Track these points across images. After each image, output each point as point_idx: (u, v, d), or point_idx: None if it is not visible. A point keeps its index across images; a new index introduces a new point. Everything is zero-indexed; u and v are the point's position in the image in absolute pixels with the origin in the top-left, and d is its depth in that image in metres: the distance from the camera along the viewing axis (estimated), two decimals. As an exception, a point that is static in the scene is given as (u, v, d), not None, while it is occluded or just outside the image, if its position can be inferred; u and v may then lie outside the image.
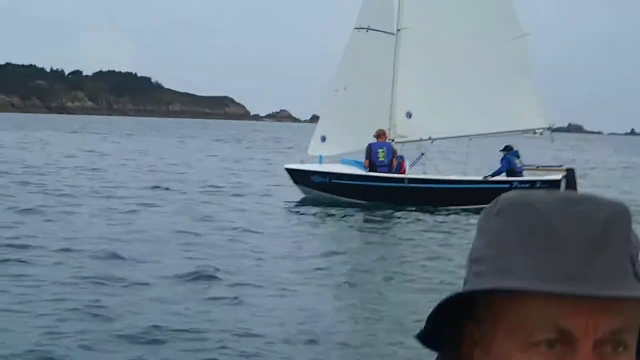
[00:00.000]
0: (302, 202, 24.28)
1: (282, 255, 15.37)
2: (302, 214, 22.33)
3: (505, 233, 1.13)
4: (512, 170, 23.83)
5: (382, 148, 24.04)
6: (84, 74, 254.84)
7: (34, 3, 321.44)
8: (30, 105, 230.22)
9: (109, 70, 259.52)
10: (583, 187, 24.71)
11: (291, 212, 22.83)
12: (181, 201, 23.36)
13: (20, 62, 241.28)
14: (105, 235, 16.29)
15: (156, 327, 9.72)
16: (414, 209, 22.74)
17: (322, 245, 17.21)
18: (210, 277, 12.82)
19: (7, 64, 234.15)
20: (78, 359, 8.71)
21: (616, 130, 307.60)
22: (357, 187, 23.95)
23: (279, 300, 11.62)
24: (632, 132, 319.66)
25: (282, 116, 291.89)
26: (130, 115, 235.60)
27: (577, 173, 24.26)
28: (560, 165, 24.81)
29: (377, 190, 23.74)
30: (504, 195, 1.18)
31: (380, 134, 24.05)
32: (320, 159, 24.80)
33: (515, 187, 22.43)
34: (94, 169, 33.29)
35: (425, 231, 19.46)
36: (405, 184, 23.62)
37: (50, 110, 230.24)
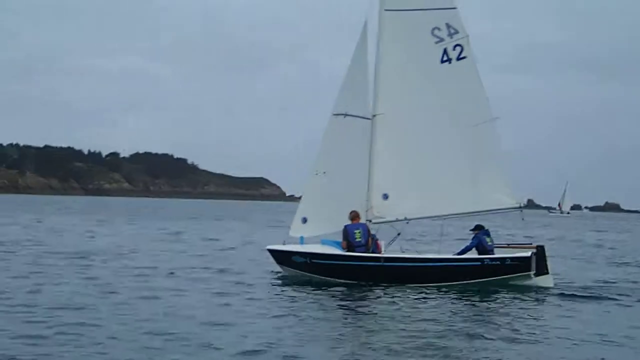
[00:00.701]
0: (283, 282, 25.22)
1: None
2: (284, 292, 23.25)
3: None
4: (482, 249, 24.68)
5: (358, 229, 25.08)
6: (121, 155, 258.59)
7: (70, 88, 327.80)
8: (68, 188, 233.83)
9: (145, 152, 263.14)
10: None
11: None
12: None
13: (58, 145, 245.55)
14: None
15: None
16: (389, 286, 23.65)
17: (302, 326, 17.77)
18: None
19: (46, 146, 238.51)
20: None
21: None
22: (336, 266, 24.93)
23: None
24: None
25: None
26: (166, 197, 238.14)
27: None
28: (530, 243, 25.56)
29: (355, 270, 24.71)
30: None
31: (354, 216, 25.13)
32: (302, 240, 25.89)
33: (487, 265, 23.64)
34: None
35: (399, 309, 20.22)
36: (382, 263, 24.55)
37: (87, 192, 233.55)
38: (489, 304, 21.53)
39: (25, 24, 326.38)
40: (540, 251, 24.51)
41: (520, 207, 25.72)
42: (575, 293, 24.27)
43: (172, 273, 26.46)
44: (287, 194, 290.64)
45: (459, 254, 24.90)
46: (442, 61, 25.84)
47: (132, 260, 30.77)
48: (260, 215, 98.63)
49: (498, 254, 24.79)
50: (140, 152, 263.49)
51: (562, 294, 23.75)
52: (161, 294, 21.64)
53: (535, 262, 24.31)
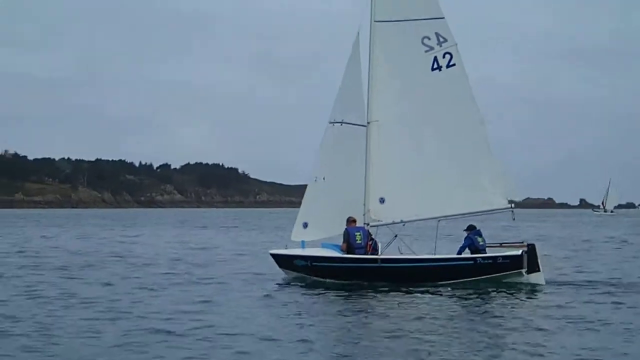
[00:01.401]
0: (288, 283, 26.43)
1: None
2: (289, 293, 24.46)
3: None
4: (474, 248, 25.67)
5: (358, 232, 26.26)
6: (172, 167, 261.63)
7: (116, 100, 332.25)
8: (121, 200, 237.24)
9: (196, 163, 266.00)
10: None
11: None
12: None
13: (109, 158, 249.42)
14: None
15: None
16: (387, 287, 24.75)
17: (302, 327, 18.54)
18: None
19: (97, 160, 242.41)
20: None
21: None
22: (335, 268, 26.10)
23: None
24: None
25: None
26: (218, 207, 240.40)
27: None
28: (522, 242, 26.45)
29: (354, 271, 25.87)
30: None
31: (351, 221, 26.28)
32: (303, 244, 27.12)
33: (480, 263, 24.65)
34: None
35: (395, 308, 21.22)
36: (379, 264, 25.65)
37: (140, 204, 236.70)
38: (483, 302, 22.43)
39: (75, 36, 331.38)
40: (531, 249, 25.41)
41: (511, 207, 26.61)
42: (566, 289, 25.24)
43: None
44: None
45: (457, 253, 25.88)
46: (433, 69, 26.87)
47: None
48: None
49: (490, 252, 25.76)
50: (191, 162, 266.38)
51: (553, 290, 24.69)
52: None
53: (526, 260, 25.23)
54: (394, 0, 27.07)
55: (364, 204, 26.92)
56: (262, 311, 20.67)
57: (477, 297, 23.14)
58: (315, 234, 27.29)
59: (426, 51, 26.91)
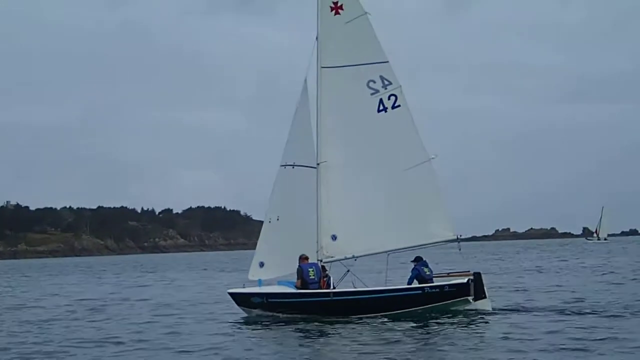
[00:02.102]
0: (245, 322, 27.62)
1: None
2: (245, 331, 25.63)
3: None
4: (421, 278, 26.94)
5: (311, 268, 27.52)
6: (174, 211, 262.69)
7: (116, 147, 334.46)
8: (124, 247, 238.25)
9: (198, 206, 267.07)
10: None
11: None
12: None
13: (111, 205, 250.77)
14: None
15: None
16: (340, 319, 25.97)
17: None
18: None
19: (99, 207, 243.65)
20: None
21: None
22: (290, 303, 27.34)
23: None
24: None
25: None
26: (222, 250, 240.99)
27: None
28: (468, 271, 27.68)
29: (307, 305, 27.10)
30: None
31: (303, 258, 27.56)
32: (260, 282, 28.38)
33: (428, 292, 25.92)
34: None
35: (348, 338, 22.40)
36: (331, 298, 26.90)
37: (143, 250, 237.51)
38: (431, 329, 23.61)
39: (74, 85, 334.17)
40: (477, 278, 26.68)
41: (457, 240, 27.87)
42: (512, 314, 26.46)
43: None
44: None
45: (409, 282, 27.17)
46: (379, 110, 28.25)
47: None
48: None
49: (438, 282, 27.01)
50: (193, 206, 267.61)
51: (500, 316, 25.91)
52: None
53: (473, 288, 26.47)
54: (339, 46, 28.42)
55: (317, 242, 28.15)
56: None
57: (426, 325, 24.31)
58: (271, 272, 28.57)
59: (372, 94, 28.28)
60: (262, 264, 28.79)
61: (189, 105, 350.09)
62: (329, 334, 23.49)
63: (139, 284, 56.17)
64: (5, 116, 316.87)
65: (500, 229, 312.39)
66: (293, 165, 28.67)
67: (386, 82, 28.26)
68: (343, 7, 28.47)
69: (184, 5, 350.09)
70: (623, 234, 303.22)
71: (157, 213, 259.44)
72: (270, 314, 27.60)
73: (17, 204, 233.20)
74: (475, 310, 26.32)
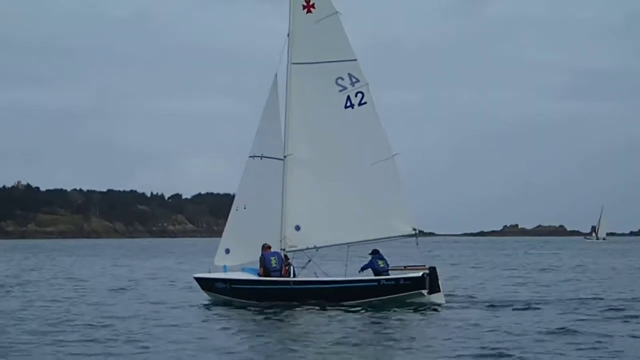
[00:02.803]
0: (209, 306, 28.75)
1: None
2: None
3: None
4: (375, 270, 28.01)
5: (273, 256, 28.60)
6: (184, 197, 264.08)
7: (127, 131, 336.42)
8: (133, 231, 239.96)
9: (207, 193, 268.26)
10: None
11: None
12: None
13: (121, 188, 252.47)
14: None
15: None
16: (299, 306, 27.08)
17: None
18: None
19: (109, 190, 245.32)
20: None
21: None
22: (253, 290, 28.45)
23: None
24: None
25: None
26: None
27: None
28: (424, 265, 28.71)
29: (269, 292, 28.21)
30: None
31: (266, 247, 28.62)
32: (225, 268, 29.50)
33: (383, 285, 26.97)
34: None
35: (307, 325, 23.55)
36: (291, 286, 28.01)
37: (152, 234, 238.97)
38: (385, 320, 24.64)
39: (85, 69, 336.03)
40: (432, 272, 27.73)
41: (415, 234, 28.92)
42: (466, 307, 27.54)
43: None
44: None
45: (360, 271, 28.27)
46: (346, 107, 29.27)
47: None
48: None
49: (394, 274, 28.08)
50: (202, 192, 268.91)
51: (453, 309, 26.98)
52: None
53: (428, 282, 27.52)
54: (309, 44, 29.41)
55: (281, 231, 29.20)
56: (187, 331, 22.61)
57: (379, 316, 25.34)
58: (236, 259, 29.63)
59: (340, 90, 29.30)
60: (227, 251, 29.84)
61: (200, 92, 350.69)
62: (285, 321, 24.49)
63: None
64: (19, 97, 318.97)
65: (508, 225, 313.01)
66: (261, 157, 29.71)
67: (354, 80, 29.25)
68: (315, 5, 29.42)
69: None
70: (633, 234, 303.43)
71: (166, 198, 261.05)
72: (233, 299, 28.65)
73: (28, 184, 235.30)
74: (429, 303, 27.34)
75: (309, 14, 29.50)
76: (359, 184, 29.07)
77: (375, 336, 21.43)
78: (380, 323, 23.85)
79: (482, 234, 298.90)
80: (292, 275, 28.61)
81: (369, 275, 28.26)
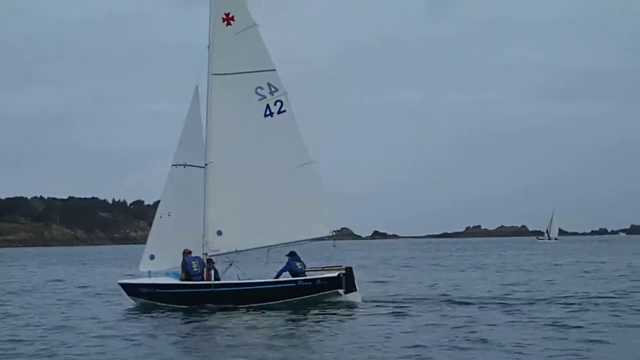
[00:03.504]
0: (133, 311, 29.62)
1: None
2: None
3: None
4: (293, 272, 29.12)
5: (195, 261, 29.63)
6: (146, 203, 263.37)
7: (88, 138, 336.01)
8: (94, 238, 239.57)
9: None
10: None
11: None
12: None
13: (82, 196, 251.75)
14: None
15: None
16: (220, 308, 28.09)
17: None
18: None
19: (70, 197, 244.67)
20: None
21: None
22: (175, 294, 29.45)
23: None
24: None
25: (343, 234, 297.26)
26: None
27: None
28: (340, 265, 29.86)
29: (191, 296, 29.22)
30: None
31: (187, 252, 29.63)
32: (150, 274, 30.48)
33: (301, 285, 28.06)
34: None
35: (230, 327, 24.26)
36: (212, 289, 29.04)
37: (114, 241, 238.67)
38: (304, 319, 25.73)
39: (46, 75, 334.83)
40: (349, 272, 28.91)
41: (333, 236, 30.09)
42: (382, 306, 28.72)
43: None
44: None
45: (275, 277, 29.32)
46: (266, 115, 30.37)
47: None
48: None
49: (311, 275, 29.20)
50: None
51: (369, 307, 28.16)
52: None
53: (344, 282, 28.69)
54: (229, 55, 30.44)
55: (203, 237, 30.22)
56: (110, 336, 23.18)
57: (297, 315, 26.45)
58: (161, 264, 30.62)
59: (259, 100, 30.39)
60: (152, 257, 30.82)
61: (161, 96, 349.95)
62: (206, 325, 25.26)
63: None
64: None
65: (471, 226, 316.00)
66: (184, 165, 30.73)
67: (273, 89, 30.35)
68: (234, 18, 30.50)
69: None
70: (593, 233, 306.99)
71: (128, 205, 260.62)
72: (157, 303, 29.62)
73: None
74: (346, 302, 28.48)
75: (229, 26, 30.56)
76: (279, 189, 30.16)
77: (294, 335, 22.29)
78: (297, 321, 24.93)
79: (445, 235, 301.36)
80: (216, 279, 29.59)
81: (287, 276, 29.32)
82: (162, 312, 28.30)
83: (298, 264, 29.37)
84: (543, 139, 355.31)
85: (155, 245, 30.91)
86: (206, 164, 30.44)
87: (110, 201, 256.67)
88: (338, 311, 27.16)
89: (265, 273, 30.54)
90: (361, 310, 27.62)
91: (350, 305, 28.22)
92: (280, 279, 29.32)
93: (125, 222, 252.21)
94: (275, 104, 30.41)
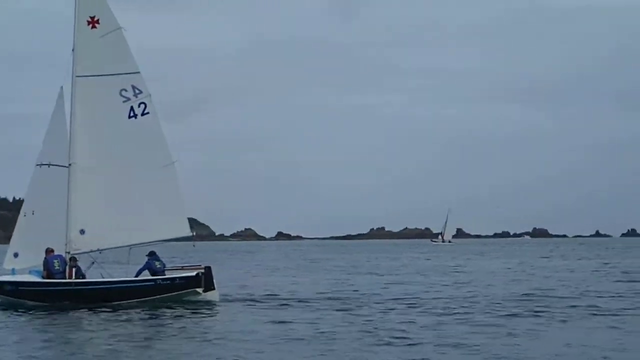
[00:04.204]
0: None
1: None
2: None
3: None
4: (152, 271, 29.91)
5: (56, 259, 30.19)
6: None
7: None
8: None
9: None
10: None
11: None
12: None
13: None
14: None
15: None
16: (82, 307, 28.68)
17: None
18: None
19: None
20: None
21: (581, 233, 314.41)
22: (37, 292, 29.95)
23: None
24: (597, 234, 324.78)
25: (247, 235, 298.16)
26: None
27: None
28: (199, 265, 30.78)
29: (52, 293, 29.75)
30: None
31: (49, 251, 30.16)
32: (14, 271, 30.90)
33: (160, 284, 28.79)
34: None
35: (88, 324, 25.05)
36: (73, 287, 29.64)
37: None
38: (159, 317, 26.51)
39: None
40: (207, 271, 29.85)
41: (192, 237, 31.04)
42: (238, 302, 29.77)
43: None
44: (217, 233, 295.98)
45: (135, 276, 30.06)
46: (129, 117, 31.09)
47: None
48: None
49: (171, 274, 30.05)
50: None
51: (227, 305, 29.15)
52: None
53: (203, 280, 29.59)
54: (94, 57, 31.05)
55: (66, 235, 30.77)
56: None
57: (156, 313, 27.27)
58: (24, 262, 31.04)
59: (124, 101, 31.10)
60: (16, 255, 31.24)
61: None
62: (65, 323, 25.71)
63: None
64: None
65: (375, 228, 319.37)
66: (49, 165, 31.23)
67: (137, 91, 31.09)
68: (99, 21, 31.13)
69: None
70: (495, 235, 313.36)
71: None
72: (21, 301, 30.06)
73: None
74: (205, 300, 29.39)
75: (94, 29, 31.16)
76: (140, 189, 30.91)
77: (156, 333, 22.96)
78: (154, 320, 25.78)
79: (349, 237, 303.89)
80: (80, 277, 30.14)
81: (147, 275, 30.08)
82: (16, 312, 28.51)
83: (157, 263, 30.15)
84: (445, 142, 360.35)
85: (19, 243, 31.35)
86: (70, 164, 30.98)
87: (10, 199, 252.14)
88: (195, 310, 27.98)
89: (128, 272, 31.19)
90: (218, 308, 28.55)
91: (208, 304, 29.11)
92: (140, 277, 30.04)
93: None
94: (139, 106, 31.14)
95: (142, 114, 31.18)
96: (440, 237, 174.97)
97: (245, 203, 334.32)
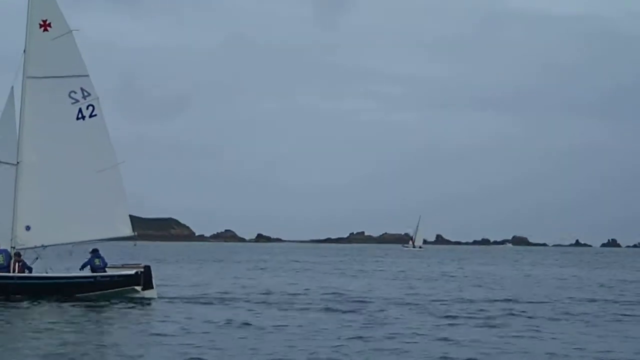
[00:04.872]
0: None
1: None
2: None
3: None
4: (93, 268, 30.94)
5: (1, 254, 31.08)
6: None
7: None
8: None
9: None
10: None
11: None
12: None
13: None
14: None
15: None
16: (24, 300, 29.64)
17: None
18: None
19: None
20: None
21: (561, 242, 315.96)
22: None
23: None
24: (577, 243, 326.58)
25: (226, 236, 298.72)
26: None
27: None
28: (139, 263, 31.83)
29: None
30: None
31: None
32: (-40, 264, 31.76)
33: (99, 281, 29.81)
34: None
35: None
36: (15, 281, 30.58)
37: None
38: (97, 312, 27.56)
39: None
40: (147, 270, 30.95)
41: (134, 237, 32.10)
42: (175, 301, 30.82)
43: None
44: (197, 234, 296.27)
45: (80, 269, 31.10)
46: (78, 118, 32.13)
47: None
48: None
49: (111, 272, 31.08)
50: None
51: (165, 303, 30.20)
52: None
53: (142, 279, 30.65)
54: (45, 59, 32.06)
55: (12, 231, 31.72)
56: None
57: (94, 308, 28.28)
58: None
59: (72, 103, 32.15)
60: (-41, 252, 32.10)
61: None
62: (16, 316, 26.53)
63: None
64: None
65: (355, 232, 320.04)
66: (-3, 162, 32.15)
67: (86, 94, 32.15)
68: (51, 24, 32.13)
69: None
70: (475, 242, 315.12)
71: None
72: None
73: None
74: (143, 298, 30.44)
75: (46, 32, 32.16)
76: (85, 189, 31.95)
77: (86, 328, 23.88)
78: (91, 314, 26.78)
79: (329, 240, 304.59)
80: (23, 271, 31.03)
81: (87, 272, 31.12)
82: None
83: (97, 260, 31.17)
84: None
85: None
86: (17, 162, 31.92)
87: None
88: (134, 306, 29.03)
89: (70, 268, 32.21)
90: (154, 306, 29.59)
91: (147, 301, 30.15)
92: (80, 273, 31.05)
93: None
94: (87, 108, 32.19)
95: (90, 116, 32.22)
96: (411, 242, 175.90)
97: (225, 204, 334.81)
